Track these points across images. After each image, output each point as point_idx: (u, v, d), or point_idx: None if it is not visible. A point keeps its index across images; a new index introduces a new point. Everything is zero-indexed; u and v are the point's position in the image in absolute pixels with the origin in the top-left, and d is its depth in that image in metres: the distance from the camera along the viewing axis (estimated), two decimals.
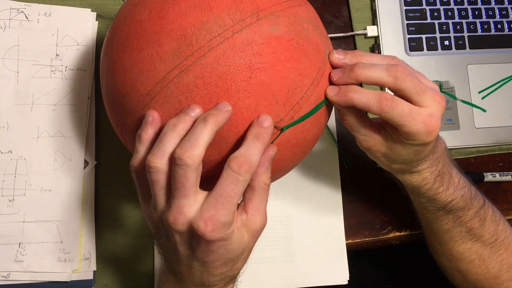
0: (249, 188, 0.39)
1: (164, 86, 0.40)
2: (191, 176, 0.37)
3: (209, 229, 0.37)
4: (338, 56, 0.44)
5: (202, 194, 0.38)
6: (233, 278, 0.44)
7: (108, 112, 0.47)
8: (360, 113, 0.45)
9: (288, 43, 0.41)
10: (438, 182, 0.50)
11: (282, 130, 0.41)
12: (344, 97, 0.43)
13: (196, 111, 0.39)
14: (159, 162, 0.38)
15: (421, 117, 0.42)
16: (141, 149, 0.40)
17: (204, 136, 0.37)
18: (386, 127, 0.46)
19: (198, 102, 0.39)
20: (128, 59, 0.41)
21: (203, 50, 0.39)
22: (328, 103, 0.45)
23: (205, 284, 0.42)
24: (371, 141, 0.46)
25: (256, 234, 0.41)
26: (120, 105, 0.43)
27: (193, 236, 0.38)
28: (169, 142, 0.38)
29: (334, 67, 0.45)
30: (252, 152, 0.38)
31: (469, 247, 0.54)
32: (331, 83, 0.45)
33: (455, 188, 0.52)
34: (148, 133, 0.40)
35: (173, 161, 0.37)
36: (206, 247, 0.38)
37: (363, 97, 0.42)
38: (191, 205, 0.38)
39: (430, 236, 0.58)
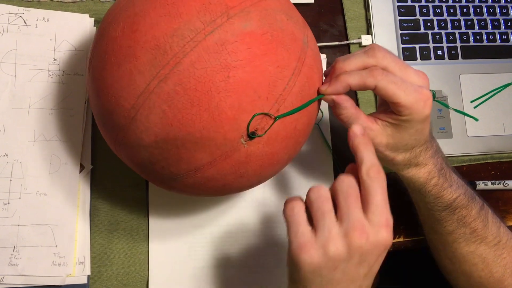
0: None
1: (146, 98, 0.40)
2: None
3: (390, 233, 0.40)
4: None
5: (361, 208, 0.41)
6: None
7: (100, 130, 0.48)
8: (354, 104, 0.46)
9: (262, 36, 0.41)
10: (442, 176, 0.51)
11: (276, 119, 0.42)
12: (339, 83, 0.44)
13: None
14: (323, 191, 0.41)
15: (412, 87, 0.44)
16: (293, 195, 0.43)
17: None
18: (381, 116, 0.47)
19: (181, 108, 0.40)
20: (109, 77, 0.42)
21: (178, 57, 0.39)
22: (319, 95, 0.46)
23: None
24: (371, 133, 0.47)
25: None
26: (109, 122, 0.44)
27: (376, 248, 0.40)
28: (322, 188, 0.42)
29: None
30: (373, 157, 0.42)
31: (473, 250, 0.54)
32: (313, 71, 0.45)
33: (457, 185, 0.53)
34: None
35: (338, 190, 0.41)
36: (382, 256, 0.41)
37: (356, 75, 0.44)
38: (365, 219, 0.40)
39: (433, 238, 0.58)
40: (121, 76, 0.41)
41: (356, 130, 0.44)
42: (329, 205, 0.41)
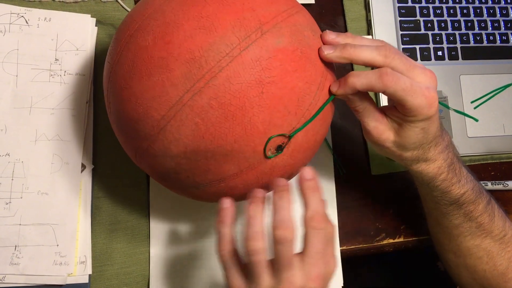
0: None
1: (178, 110, 0.40)
2: (294, 248, 0.41)
3: (320, 286, 0.41)
4: (331, 36, 0.46)
5: (296, 256, 0.41)
6: None
7: (119, 137, 0.47)
8: (368, 97, 0.46)
9: (293, 53, 0.42)
10: (451, 171, 0.51)
11: (290, 137, 0.43)
12: (347, 87, 0.44)
13: (262, 193, 0.43)
14: (261, 243, 0.41)
15: (420, 90, 0.44)
16: (226, 232, 0.43)
17: (288, 211, 0.41)
18: (388, 112, 0.47)
19: (214, 122, 0.40)
20: (138, 86, 0.41)
21: (213, 71, 0.39)
22: (331, 102, 0.46)
23: None
24: (380, 127, 0.47)
25: (332, 277, 0.44)
26: (133, 130, 0.43)
27: None
28: (259, 224, 0.42)
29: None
30: (318, 205, 0.42)
31: (478, 244, 0.55)
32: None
33: (465, 180, 0.52)
34: (226, 221, 0.43)
35: (276, 241, 0.40)
36: None
37: (363, 78, 0.44)
38: (297, 273, 0.41)
39: (438, 231, 0.58)
40: (152, 86, 0.40)
41: (305, 174, 0.43)
42: (262, 256, 0.41)
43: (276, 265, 0.41)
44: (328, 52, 0.44)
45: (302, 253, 0.42)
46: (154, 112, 0.41)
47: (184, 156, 0.42)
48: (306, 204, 0.42)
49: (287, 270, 0.41)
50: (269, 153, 0.42)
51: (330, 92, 0.45)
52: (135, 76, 0.42)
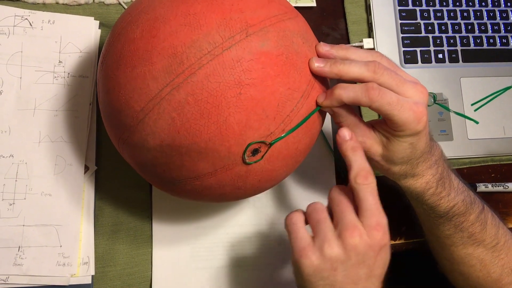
0: None
1: (156, 103, 0.41)
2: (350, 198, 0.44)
3: (382, 233, 0.42)
4: (325, 48, 0.46)
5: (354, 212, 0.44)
6: None
7: (106, 126, 0.48)
8: (354, 112, 0.46)
9: (277, 58, 0.42)
10: (440, 186, 0.51)
11: (270, 145, 0.42)
12: (334, 99, 0.44)
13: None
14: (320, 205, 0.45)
15: (408, 104, 0.44)
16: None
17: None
18: (377, 126, 0.48)
19: (190, 118, 0.40)
20: (122, 77, 0.42)
21: (193, 68, 0.40)
22: (318, 112, 0.46)
23: None
24: (368, 142, 0.47)
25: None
26: (116, 120, 0.44)
27: (371, 248, 0.42)
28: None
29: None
30: (361, 162, 0.44)
31: (470, 252, 0.55)
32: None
33: (456, 193, 0.52)
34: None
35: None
36: (384, 254, 0.43)
37: (350, 91, 0.43)
38: (358, 226, 0.42)
39: (432, 239, 0.59)
40: (135, 78, 0.41)
41: (343, 134, 0.45)
42: (323, 214, 0.44)
43: (336, 218, 0.43)
44: (318, 65, 0.44)
45: (358, 210, 0.43)
46: (134, 104, 0.42)
47: (160, 149, 0.42)
48: (349, 164, 0.44)
49: (348, 213, 0.43)
50: (247, 160, 0.42)
51: (316, 103, 0.45)
52: (120, 67, 0.42)
